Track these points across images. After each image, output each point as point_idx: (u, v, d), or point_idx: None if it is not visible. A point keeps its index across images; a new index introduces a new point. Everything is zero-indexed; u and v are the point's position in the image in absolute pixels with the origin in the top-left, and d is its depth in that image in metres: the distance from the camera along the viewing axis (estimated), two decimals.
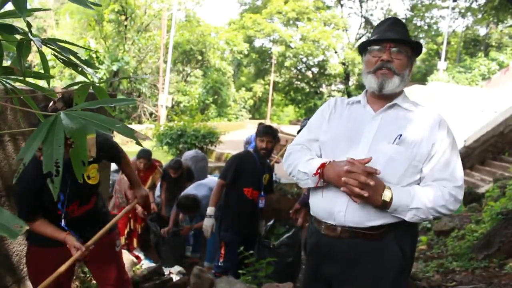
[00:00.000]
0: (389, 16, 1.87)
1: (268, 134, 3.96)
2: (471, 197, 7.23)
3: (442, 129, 1.74)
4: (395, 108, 1.81)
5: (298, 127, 4.42)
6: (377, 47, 1.79)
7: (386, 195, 1.62)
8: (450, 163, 1.71)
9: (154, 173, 5.62)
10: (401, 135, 1.71)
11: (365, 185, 1.59)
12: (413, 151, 1.69)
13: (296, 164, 1.86)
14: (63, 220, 2.36)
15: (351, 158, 1.65)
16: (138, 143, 0.99)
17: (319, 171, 1.73)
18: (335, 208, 1.74)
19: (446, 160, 1.71)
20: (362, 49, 1.87)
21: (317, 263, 1.89)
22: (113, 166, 5.38)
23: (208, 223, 3.98)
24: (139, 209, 5.49)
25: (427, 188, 1.68)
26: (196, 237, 5.33)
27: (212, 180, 5.52)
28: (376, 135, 1.76)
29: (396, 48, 1.76)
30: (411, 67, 1.84)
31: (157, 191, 5.98)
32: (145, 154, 5.41)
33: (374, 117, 1.81)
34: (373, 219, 1.70)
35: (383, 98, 1.82)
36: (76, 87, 1.32)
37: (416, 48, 1.84)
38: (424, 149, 1.70)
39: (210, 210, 4.00)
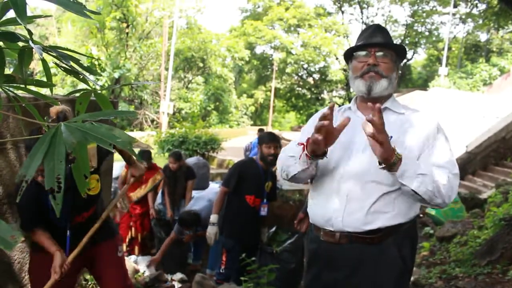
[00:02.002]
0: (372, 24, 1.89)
1: (275, 140, 4.01)
2: (474, 203, 7.22)
3: (435, 130, 1.77)
4: (386, 111, 1.82)
5: (299, 134, 4.43)
6: (363, 53, 1.81)
7: (396, 153, 1.58)
8: (446, 152, 1.73)
9: (155, 176, 5.61)
10: (391, 137, 1.72)
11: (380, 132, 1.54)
12: (405, 153, 1.70)
13: (285, 156, 1.88)
14: (68, 231, 2.41)
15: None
16: (135, 156, 0.99)
17: (303, 144, 1.72)
18: (332, 214, 1.75)
19: (442, 150, 1.73)
20: (348, 56, 1.90)
21: (318, 270, 1.88)
22: (114, 173, 5.38)
23: (211, 231, 3.97)
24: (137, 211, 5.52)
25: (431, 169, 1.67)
26: (196, 244, 5.32)
27: (211, 190, 5.53)
28: (369, 139, 1.76)
29: (381, 52, 1.79)
30: (397, 71, 1.86)
31: (159, 198, 5.97)
32: (144, 156, 5.44)
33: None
34: (370, 222, 1.70)
35: (373, 103, 1.83)
36: (78, 94, 1.32)
37: (400, 53, 1.86)
38: (415, 151, 1.72)
39: (213, 217, 4.00)
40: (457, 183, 1.69)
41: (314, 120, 1.99)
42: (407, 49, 1.94)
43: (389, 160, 1.57)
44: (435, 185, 1.61)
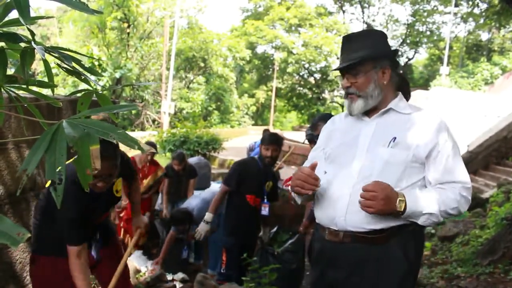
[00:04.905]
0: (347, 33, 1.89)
1: (274, 143, 3.95)
2: (475, 202, 7.19)
3: (442, 131, 1.75)
4: (390, 112, 1.83)
5: (300, 133, 4.41)
6: (339, 75, 1.87)
7: (400, 206, 1.64)
8: (457, 165, 1.74)
9: (156, 171, 5.63)
10: (395, 138, 1.73)
11: (374, 198, 1.60)
12: (409, 154, 1.71)
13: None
14: (98, 233, 2.54)
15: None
16: (140, 149, 0.99)
17: (288, 182, 1.84)
18: (336, 213, 1.76)
19: (452, 163, 1.73)
20: None
21: (322, 269, 1.90)
22: None
23: (202, 228, 3.99)
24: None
25: (440, 191, 1.70)
26: (198, 244, 5.31)
27: (209, 190, 5.52)
28: (372, 139, 1.78)
29: (350, 73, 1.80)
30: (378, 76, 1.79)
31: (159, 199, 5.97)
32: (152, 144, 5.60)
33: (369, 123, 1.83)
34: (373, 222, 1.71)
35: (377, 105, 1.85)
36: (79, 94, 1.32)
37: (380, 55, 1.81)
38: (421, 152, 1.71)
39: (208, 216, 4.00)
40: (469, 194, 1.74)
41: (321, 132, 2.07)
42: (397, 50, 1.93)
43: (391, 211, 1.64)
44: (442, 213, 1.68)
